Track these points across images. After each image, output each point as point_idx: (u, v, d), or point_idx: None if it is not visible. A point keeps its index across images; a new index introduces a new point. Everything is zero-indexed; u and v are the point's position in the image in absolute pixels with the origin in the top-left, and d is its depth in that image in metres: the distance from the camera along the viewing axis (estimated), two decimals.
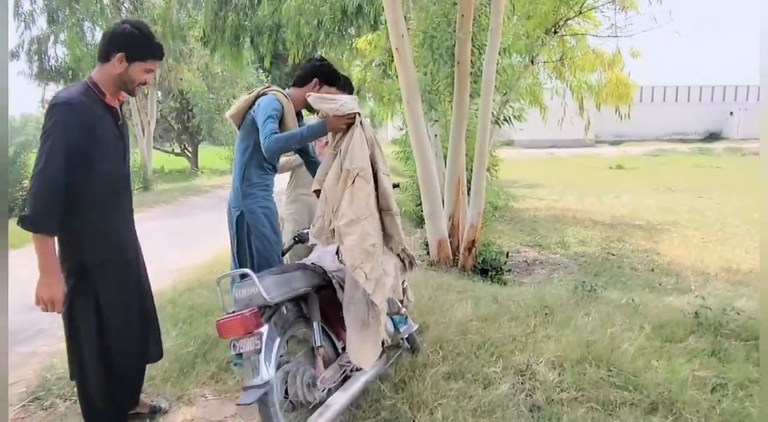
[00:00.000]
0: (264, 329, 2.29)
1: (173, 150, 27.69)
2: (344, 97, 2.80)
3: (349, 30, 10.72)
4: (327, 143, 2.89)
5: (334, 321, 2.84)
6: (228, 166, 20.08)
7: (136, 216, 2.57)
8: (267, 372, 2.23)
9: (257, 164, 2.96)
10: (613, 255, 8.76)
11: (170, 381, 3.08)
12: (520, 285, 6.24)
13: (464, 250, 6.14)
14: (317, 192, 2.70)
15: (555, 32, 8.17)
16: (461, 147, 6.27)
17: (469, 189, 6.35)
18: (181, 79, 19.29)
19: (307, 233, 3.14)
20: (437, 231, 6.14)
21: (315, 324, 2.58)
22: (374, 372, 2.81)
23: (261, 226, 2.92)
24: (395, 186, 3.66)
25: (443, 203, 6.38)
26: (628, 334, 3.67)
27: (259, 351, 2.24)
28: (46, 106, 2.24)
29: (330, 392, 2.58)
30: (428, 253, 6.44)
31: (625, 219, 11.80)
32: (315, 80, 3.05)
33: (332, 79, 3.11)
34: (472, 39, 5.88)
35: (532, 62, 8.25)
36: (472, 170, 6.30)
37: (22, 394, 3.05)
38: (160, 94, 22.39)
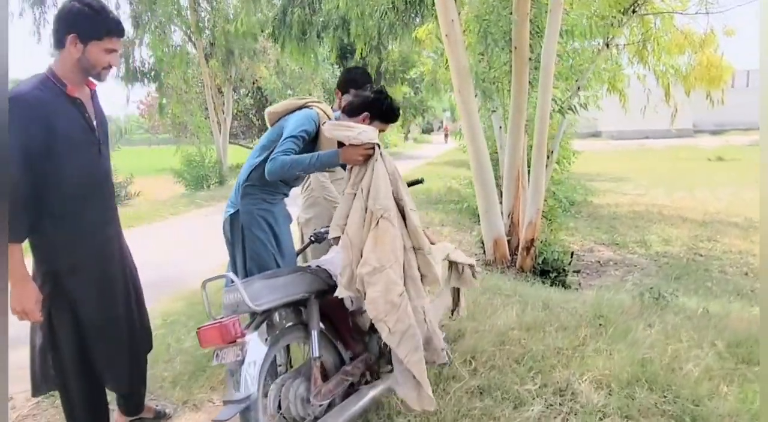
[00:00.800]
0: (248, 338, 2.10)
1: (254, 146, 28.56)
2: (363, 126, 2.50)
3: (414, 20, 10.45)
4: None
5: (341, 328, 2.62)
6: None
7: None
8: (249, 385, 2.05)
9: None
10: (701, 256, 7.96)
11: (180, 384, 2.98)
12: (584, 288, 5.74)
13: (522, 250, 5.72)
14: (337, 239, 2.46)
15: (633, 11, 7.44)
16: (521, 139, 5.86)
17: None
18: (260, 77, 19.82)
19: (324, 232, 2.94)
20: (493, 230, 5.76)
21: (313, 333, 2.36)
22: (385, 385, 2.56)
23: (255, 229, 2.67)
24: (419, 181, 3.40)
25: (501, 199, 5.99)
26: (695, 352, 3.18)
27: (241, 363, 2.06)
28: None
29: (331, 406, 2.38)
30: (484, 252, 6.06)
31: (720, 215, 10.73)
32: (365, 114, 2.63)
33: (386, 115, 2.69)
34: (530, 21, 5.43)
35: (608, 46, 7.56)
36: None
37: None
38: (242, 91, 23.18)
